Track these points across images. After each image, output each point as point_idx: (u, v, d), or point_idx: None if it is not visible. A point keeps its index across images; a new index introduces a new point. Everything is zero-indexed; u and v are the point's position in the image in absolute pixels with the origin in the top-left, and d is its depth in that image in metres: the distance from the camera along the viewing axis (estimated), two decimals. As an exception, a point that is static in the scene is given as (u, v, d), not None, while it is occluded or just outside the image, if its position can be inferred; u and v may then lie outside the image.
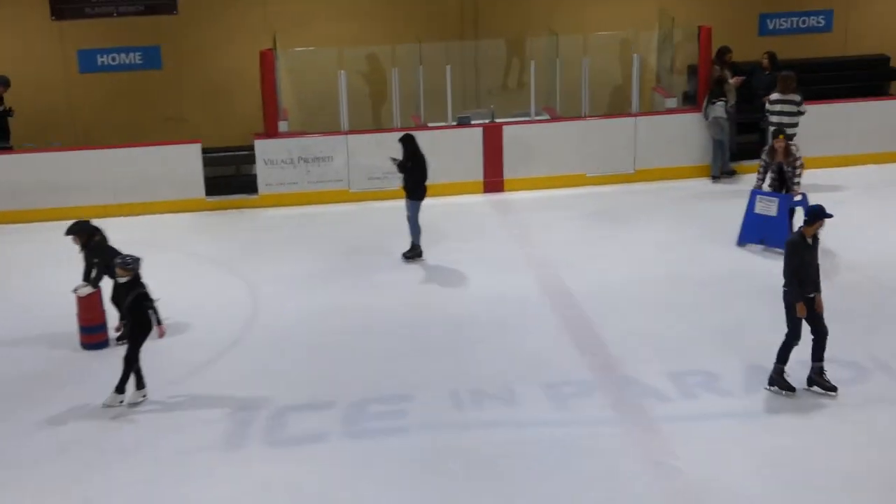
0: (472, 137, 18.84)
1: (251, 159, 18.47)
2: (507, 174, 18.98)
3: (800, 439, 10.27)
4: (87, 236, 12.72)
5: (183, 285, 15.06)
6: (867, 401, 11.04)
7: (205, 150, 18.49)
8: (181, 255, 16.34)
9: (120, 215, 17.96)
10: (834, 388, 10.95)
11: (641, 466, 9.96)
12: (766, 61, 19.70)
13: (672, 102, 20.09)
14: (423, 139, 17.60)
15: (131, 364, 10.94)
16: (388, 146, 17.77)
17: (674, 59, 20.75)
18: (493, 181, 18.93)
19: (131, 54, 20.76)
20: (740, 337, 12.45)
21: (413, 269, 15.56)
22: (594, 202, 18.25)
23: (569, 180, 19.00)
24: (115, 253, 12.05)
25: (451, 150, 18.67)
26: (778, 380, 11.06)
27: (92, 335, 12.76)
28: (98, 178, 18.34)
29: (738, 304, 13.44)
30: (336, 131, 18.71)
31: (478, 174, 18.90)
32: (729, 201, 17.75)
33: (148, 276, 15.03)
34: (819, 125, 19.35)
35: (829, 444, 10.14)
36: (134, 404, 10.98)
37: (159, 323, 10.89)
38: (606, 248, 16.07)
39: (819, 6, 22.35)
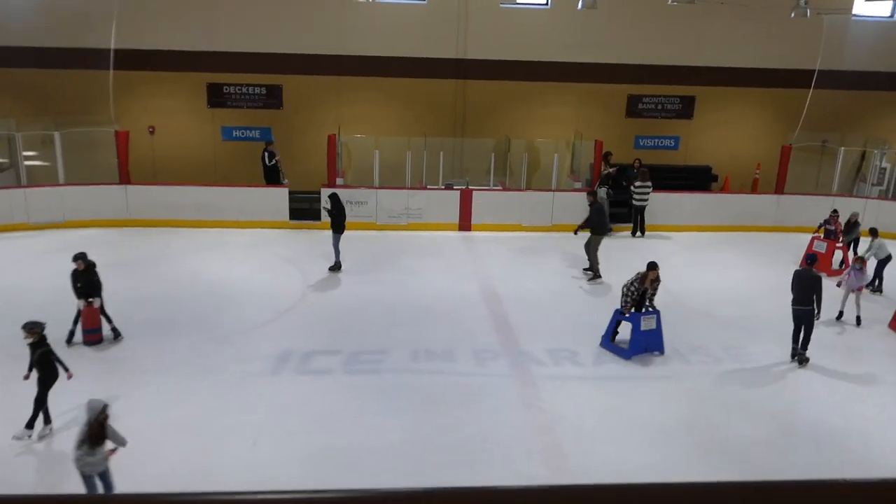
0: (454, 196, 18.70)
1: (318, 199, 18.38)
2: (474, 220, 18.76)
3: (629, 398, 10.20)
4: (86, 264, 11.17)
5: (267, 271, 15.06)
6: (674, 375, 11.01)
7: (291, 192, 18.43)
8: (270, 254, 16.28)
9: (238, 227, 17.95)
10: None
11: (520, 404, 9.91)
12: (636, 164, 19.66)
13: (578, 185, 20.01)
14: (422, 196, 17.56)
15: (41, 405, 8.60)
16: (402, 199, 17.78)
17: (577, 159, 20.70)
18: (465, 224, 18.75)
19: (253, 131, 20.70)
20: (596, 331, 12.35)
21: (401, 271, 15.38)
22: (525, 242, 18.04)
23: (511, 227, 18.84)
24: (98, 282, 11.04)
25: (439, 203, 18.58)
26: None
27: (92, 335, 11.19)
28: (228, 204, 18.24)
29: (600, 311, 13.34)
30: (370, 186, 18.69)
31: (455, 219, 18.70)
32: (604, 248, 17.65)
33: (247, 265, 15.06)
34: (665, 205, 19.31)
35: (648, 402, 10.09)
36: (42, 437, 8.57)
37: (66, 370, 8.67)
38: (527, 270, 15.89)
39: (671, 133, 22.23)
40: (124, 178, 18.21)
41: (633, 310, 11.51)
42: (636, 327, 11.39)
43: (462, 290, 14.28)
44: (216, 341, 11.47)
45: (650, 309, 11.54)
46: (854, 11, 21.37)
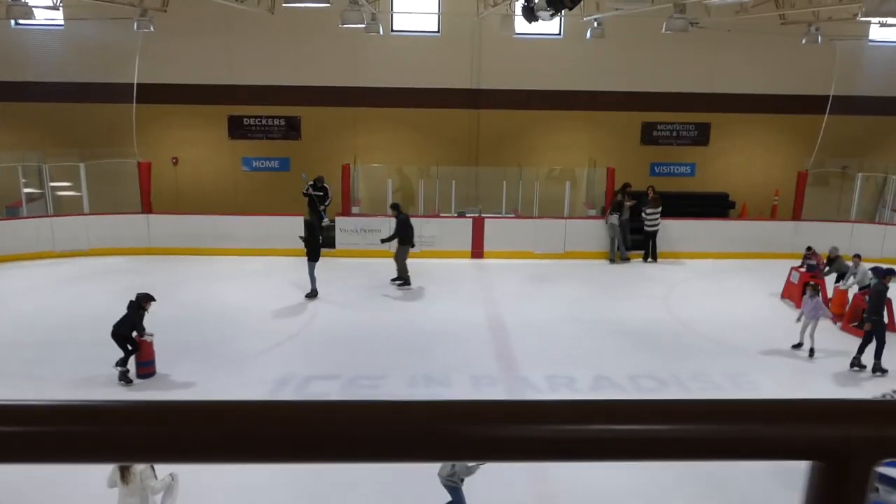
0: (467, 224, 18.87)
1: (334, 228, 18.65)
2: (487, 248, 18.86)
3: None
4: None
5: (278, 298, 15.34)
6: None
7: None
8: (282, 281, 16.54)
9: (254, 255, 18.29)
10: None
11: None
12: (650, 191, 19.67)
13: (592, 212, 20.10)
14: (435, 224, 17.76)
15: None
16: (417, 227, 18.04)
17: (590, 187, 20.80)
18: (477, 251, 18.88)
19: (272, 161, 21.23)
20: (598, 357, 12.41)
21: (408, 296, 15.57)
22: (536, 269, 18.06)
23: (524, 255, 18.88)
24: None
25: (452, 231, 18.76)
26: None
27: (145, 368, 11.34)
28: (246, 232, 18.55)
29: (605, 338, 13.40)
30: (384, 214, 18.91)
31: (467, 246, 18.83)
32: (616, 275, 17.72)
33: (259, 292, 15.34)
34: (680, 232, 19.26)
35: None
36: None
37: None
38: (536, 297, 15.93)
39: (687, 160, 22.24)
40: (146, 208, 18.76)
41: None
42: None
43: (468, 317, 14.38)
44: (220, 365, 11.74)
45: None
46: (870, 37, 21.26)
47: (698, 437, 0.93)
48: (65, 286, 15.97)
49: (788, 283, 16.20)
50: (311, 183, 18.52)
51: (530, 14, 9.09)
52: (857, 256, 14.96)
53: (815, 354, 12.66)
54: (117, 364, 10.94)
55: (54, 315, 13.89)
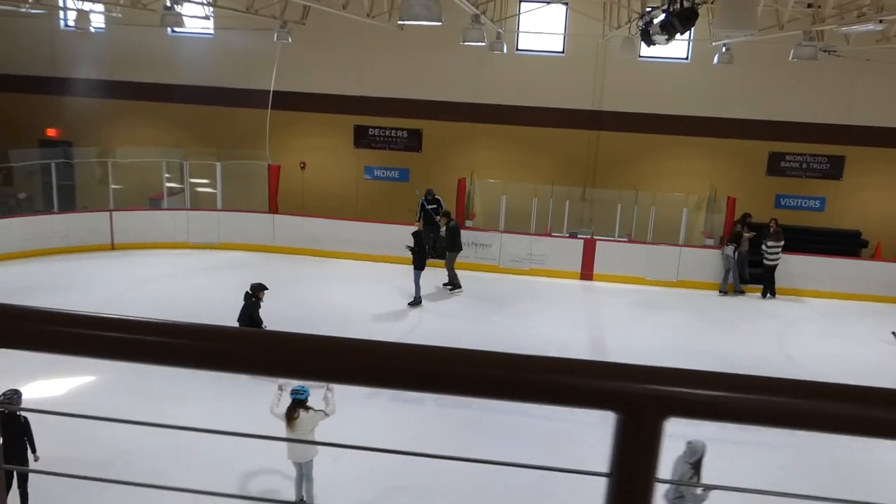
0: (578, 245, 18.74)
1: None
2: (597, 270, 18.69)
3: (722, 458, 9.96)
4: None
5: (386, 303, 15.84)
6: (772, 443, 10.59)
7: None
8: (392, 287, 16.87)
9: (369, 261, 18.87)
10: None
11: (600, 454, 9.91)
12: (772, 224, 18.91)
13: (710, 242, 19.55)
14: (546, 243, 17.80)
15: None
16: (526, 244, 18.13)
17: (710, 215, 20.22)
18: (587, 273, 18.72)
19: (393, 171, 21.96)
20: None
21: (512, 313, 15.67)
22: (646, 295, 17.78)
23: (634, 280, 18.57)
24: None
25: (562, 251, 18.71)
26: None
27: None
28: (363, 237, 19.05)
29: (705, 364, 13.03)
30: (496, 229, 19.18)
31: (577, 267, 18.69)
32: (729, 308, 17.16)
33: (368, 296, 15.81)
34: (804, 269, 18.40)
35: (736, 466, 9.78)
36: None
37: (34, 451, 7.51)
38: (642, 324, 15.69)
39: (817, 194, 21.23)
40: (273, 208, 19.83)
41: None
42: None
43: (569, 338, 14.35)
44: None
45: None
46: None
47: (516, 382, 1.16)
48: (194, 275, 17.17)
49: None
50: (424, 198, 18.98)
51: (648, 38, 9.10)
52: None
53: None
54: None
55: (180, 300, 14.98)
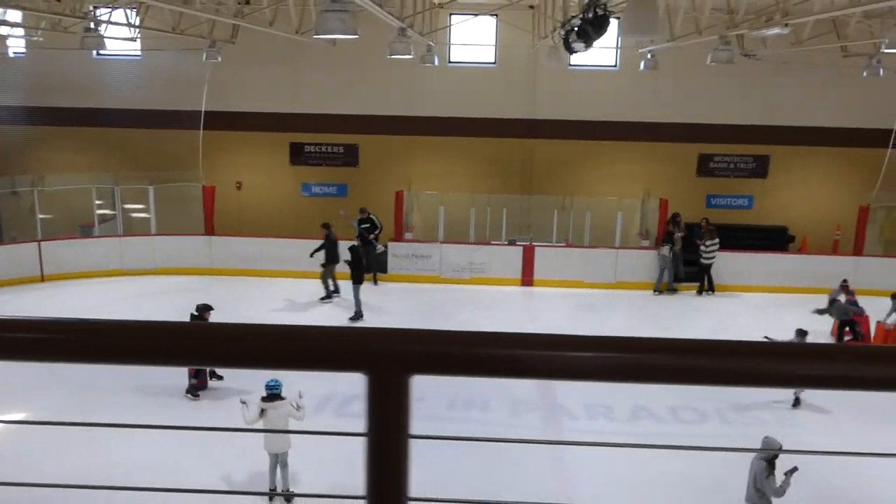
0: (517, 252, 19.01)
1: (386, 254, 18.90)
2: (537, 276, 18.95)
3: (659, 455, 10.20)
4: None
5: (329, 320, 15.80)
6: (713, 435, 10.94)
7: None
8: (334, 304, 17.00)
9: (311, 278, 18.64)
10: None
11: (545, 457, 10.12)
12: (703, 223, 19.53)
13: (645, 243, 20.08)
14: (486, 251, 18.02)
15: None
16: (466, 254, 18.30)
17: (644, 218, 20.81)
18: (527, 279, 18.99)
19: (331, 187, 21.96)
20: (638, 388, 12.38)
21: (456, 322, 15.67)
22: (585, 298, 18.10)
23: (573, 283, 18.88)
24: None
25: (502, 259, 18.96)
26: None
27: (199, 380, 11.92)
28: (302, 256, 18.70)
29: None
30: (435, 240, 19.32)
31: (518, 274, 18.95)
32: (667, 307, 17.64)
33: (310, 314, 15.76)
34: (735, 265, 19.02)
35: (679, 461, 10.04)
36: None
37: None
38: (583, 326, 15.94)
39: (745, 192, 22.03)
40: (209, 230, 19.62)
41: None
42: None
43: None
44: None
45: None
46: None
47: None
48: (131, 303, 16.81)
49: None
50: (358, 218, 18.78)
51: (568, 46, 9.42)
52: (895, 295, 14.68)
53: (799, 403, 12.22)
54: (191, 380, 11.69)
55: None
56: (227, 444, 9.85)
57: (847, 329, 14.53)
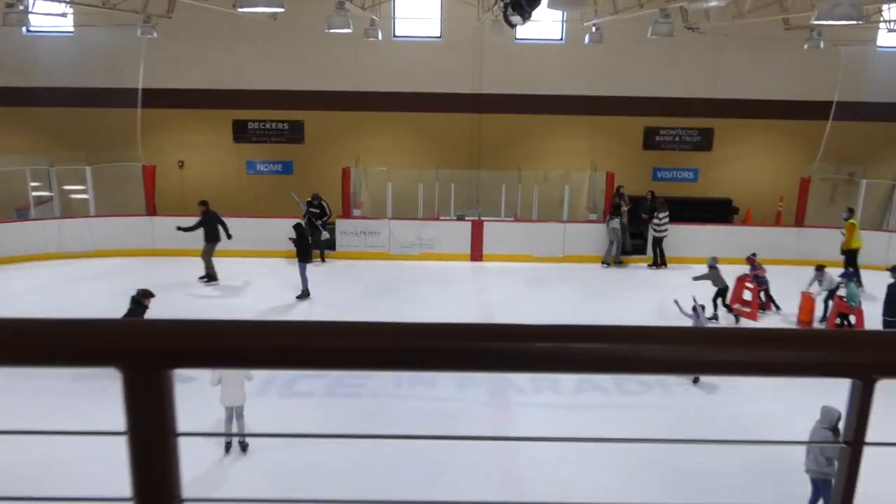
0: (466, 227, 19.04)
1: (334, 231, 18.81)
2: (486, 251, 19.02)
3: (603, 426, 10.37)
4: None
5: (275, 299, 15.68)
6: (655, 405, 11.16)
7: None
8: (281, 282, 16.78)
9: (257, 257, 18.52)
10: None
11: (491, 430, 10.20)
12: (649, 196, 19.78)
13: (593, 217, 20.24)
14: (434, 227, 17.97)
15: None
16: (415, 229, 18.24)
17: (592, 191, 20.97)
18: (477, 254, 19.03)
19: (276, 165, 21.66)
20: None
21: (402, 298, 15.79)
22: (534, 272, 18.20)
23: (522, 258, 19.04)
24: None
25: (451, 234, 18.98)
26: None
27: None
28: (249, 234, 18.60)
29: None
30: (383, 217, 19.24)
31: (467, 249, 18.99)
32: (615, 280, 17.85)
33: (256, 293, 15.61)
34: (683, 237, 19.30)
35: (623, 431, 10.25)
36: None
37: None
38: (531, 299, 16.13)
39: (690, 166, 22.33)
40: (151, 210, 19.19)
41: None
42: None
43: (460, 319, 14.51)
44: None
45: None
46: (877, 42, 21.21)
47: None
48: (70, 286, 16.42)
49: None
50: (308, 200, 18.54)
51: (507, 19, 9.36)
52: (821, 268, 15.05)
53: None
54: None
55: (60, 312, 14.28)
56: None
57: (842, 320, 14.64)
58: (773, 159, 22.37)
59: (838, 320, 14.51)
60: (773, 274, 18.69)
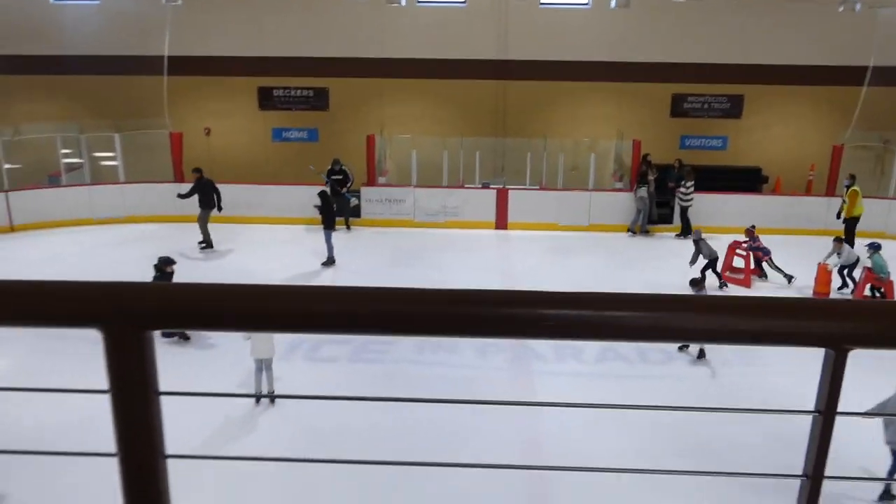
0: (491, 196, 19.07)
1: (359, 198, 19.01)
2: (511, 219, 19.10)
3: (625, 395, 10.42)
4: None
5: (299, 266, 15.81)
6: (678, 375, 11.17)
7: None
8: (305, 249, 16.92)
9: (282, 224, 18.81)
10: None
11: (512, 397, 10.28)
12: (676, 164, 19.59)
13: (619, 185, 20.11)
14: (460, 195, 17.97)
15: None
16: (440, 198, 18.23)
17: (618, 159, 20.79)
18: (501, 222, 19.09)
19: (302, 132, 21.70)
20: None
21: (427, 265, 15.88)
22: (559, 241, 18.21)
23: (547, 226, 19.07)
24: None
25: (476, 202, 19.00)
26: None
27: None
28: (274, 201, 19.07)
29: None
30: (408, 184, 19.27)
31: (492, 217, 19.08)
32: (641, 248, 17.76)
33: (281, 259, 15.78)
34: (710, 206, 19.13)
35: (645, 400, 10.30)
36: None
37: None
38: (555, 268, 16.07)
39: (719, 133, 21.99)
40: (178, 177, 19.41)
41: None
42: None
43: (483, 286, 14.56)
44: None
45: None
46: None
47: None
48: (102, 251, 16.73)
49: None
50: (329, 168, 18.58)
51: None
52: (839, 239, 14.86)
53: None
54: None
55: (89, 277, 14.51)
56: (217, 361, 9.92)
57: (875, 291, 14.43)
58: (805, 127, 21.94)
59: (868, 293, 14.32)
60: (801, 245, 18.55)
